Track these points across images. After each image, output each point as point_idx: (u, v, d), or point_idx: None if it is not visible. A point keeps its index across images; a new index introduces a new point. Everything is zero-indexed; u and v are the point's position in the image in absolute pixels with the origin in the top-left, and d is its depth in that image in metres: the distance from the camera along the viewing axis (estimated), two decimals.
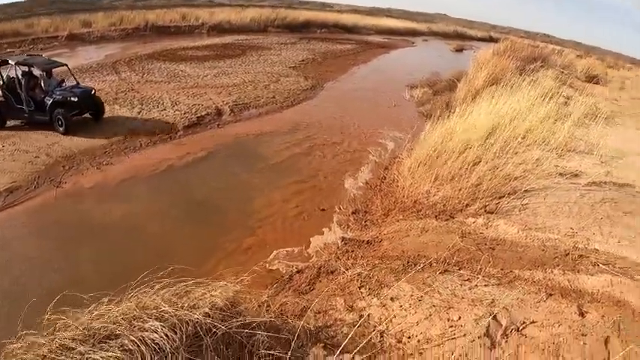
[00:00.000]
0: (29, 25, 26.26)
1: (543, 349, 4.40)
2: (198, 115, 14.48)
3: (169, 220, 8.67)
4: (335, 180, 10.70)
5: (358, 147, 12.96)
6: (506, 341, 4.51)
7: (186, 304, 4.28)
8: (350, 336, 4.40)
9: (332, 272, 6.75)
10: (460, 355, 4.28)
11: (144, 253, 7.40)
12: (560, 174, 8.92)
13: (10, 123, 12.99)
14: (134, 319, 4.04)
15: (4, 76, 13.00)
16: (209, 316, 4.15)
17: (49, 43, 24.85)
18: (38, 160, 10.64)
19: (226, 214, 8.92)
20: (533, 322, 4.87)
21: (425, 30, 49.35)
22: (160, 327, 3.87)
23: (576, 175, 8.91)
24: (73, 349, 3.76)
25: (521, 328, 4.75)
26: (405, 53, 33.84)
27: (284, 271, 7.17)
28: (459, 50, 38.22)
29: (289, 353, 3.93)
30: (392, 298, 5.41)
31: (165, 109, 14.75)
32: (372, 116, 15.95)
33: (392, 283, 5.72)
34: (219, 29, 32.26)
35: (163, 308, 4.12)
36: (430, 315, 4.93)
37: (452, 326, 4.71)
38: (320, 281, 6.60)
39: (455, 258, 6.34)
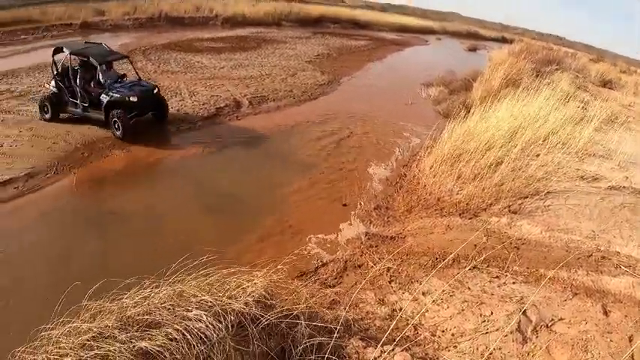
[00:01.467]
0: (43, 12, 26.17)
1: (572, 345, 4.59)
2: (217, 106, 14.55)
3: (197, 208, 8.88)
4: (356, 176, 10.85)
5: (377, 144, 13.08)
6: (537, 337, 4.71)
7: (226, 294, 4.34)
8: (387, 329, 4.55)
9: (359, 266, 6.96)
10: (494, 349, 4.48)
11: (174, 240, 7.54)
12: (581, 177, 9.09)
13: (64, 116, 12.14)
14: (176, 307, 4.06)
15: (59, 66, 11.97)
16: (250, 305, 4.20)
17: (62, 30, 24.83)
18: (56, 146, 10.72)
19: (250, 204, 9.12)
20: (561, 319, 5.07)
21: (438, 28, 49.18)
22: (204, 315, 3.88)
23: (596, 179, 9.08)
24: (115, 337, 3.72)
25: (550, 324, 4.95)
26: (419, 51, 33.87)
27: (310, 264, 7.31)
28: (473, 50, 38.17)
29: (332, 342, 4.01)
30: (423, 293, 5.61)
31: (183, 100, 14.87)
32: (389, 113, 16.01)
33: (422, 278, 5.91)
34: (232, 22, 32.26)
35: (203, 297, 4.15)
36: (462, 310, 5.13)
37: (484, 321, 4.91)
38: (347, 275, 6.80)
39: (481, 256, 6.52)
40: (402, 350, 4.14)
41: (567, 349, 4.55)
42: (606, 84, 22.85)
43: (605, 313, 5.28)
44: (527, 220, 7.73)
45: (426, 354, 4.37)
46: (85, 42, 13.68)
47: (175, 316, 3.94)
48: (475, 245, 6.87)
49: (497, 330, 4.73)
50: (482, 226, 7.70)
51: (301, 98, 16.75)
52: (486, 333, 4.70)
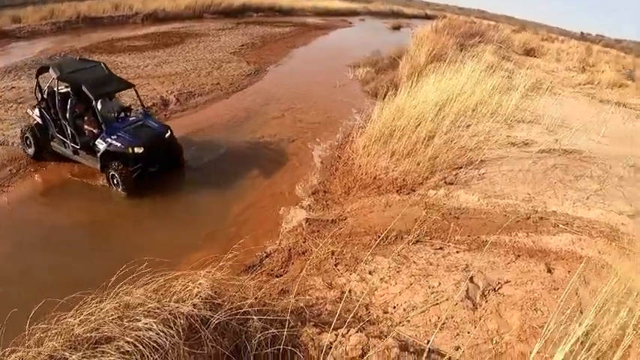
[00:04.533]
0: None
1: (521, 306, 4.69)
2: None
3: (132, 218, 8.52)
4: (290, 163, 10.75)
5: (309, 129, 13.00)
6: (486, 301, 4.78)
7: (173, 298, 4.17)
8: (337, 312, 4.48)
9: (303, 253, 6.86)
10: (447, 319, 4.50)
11: (112, 251, 7.14)
12: (512, 143, 9.38)
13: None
14: (123, 319, 3.88)
15: (45, 89, 9.57)
16: (198, 307, 4.06)
17: None
18: None
19: (193, 211, 8.83)
20: (507, 281, 5.18)
21: (361, 9, 49.60)
22: (153, 324, 3.72)
23: (527, 144, 9.39)
24: (66, 358, 3.53)
25: (497, 288, 5.04)
26: (344, 33, 34.04)
27: (254, 257, 7.13)
28: (397, 28, 38.72)
29: (285, 332, 3.91)
30: (370, 272, 5.57)
31: None
32: (319, 98, 16.01)
33: (367, 257, 5.87)
34: (153, 18, 31.18)
35: (150, 305, 3.98)
36: (411, 284, 5.13)
37: (433, 292, 4.93)
38: (293, 263, 6.69)
39: (423, 229, 6.58)
40: (357, 331, 4.07)
41: (517, 309, 4.64)
42: (529, 52, 23.81)
43: (549, 271, 5.45)
44: (464, 189, 7.88)
45: (381, 332, 4.32)
46: (79, 58, 10.63)
47: (125, 328, 3.77)
48: (415, 220, 6.91)
49: (447, 300, 4.75)
50: (420, 200, 7.78)
51: (229, 90, 16.41)
52: (437, 304, 4.72)
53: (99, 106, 9.08)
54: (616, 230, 6.53)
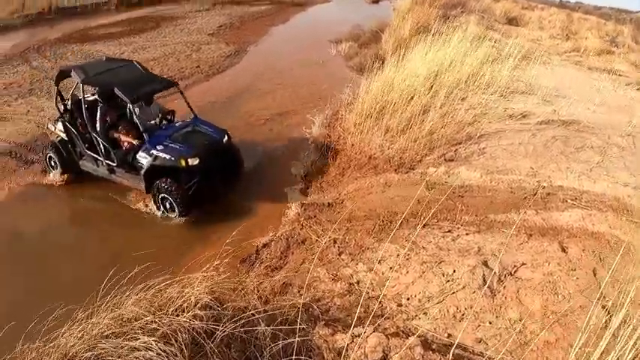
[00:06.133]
0: None
1: (542, 289, 4.46)
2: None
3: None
4: (280, 145, 10.44)
5: (296, 108, 12.68)
6: (504, 287, 4.53)
7: (170, 309, 3.80)
8: (349, 306, 4.22)
9: (303, 242, 6.55)
10: (466, 309, 4.25)
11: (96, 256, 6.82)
12: (510, 116, 9.12)
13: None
14: (118, 337, 3.52)
15: (68, 99, 8.31)
16: (199, 317, 3.68)
17: None
18: None
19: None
20: (523, 264, 4.93)
21: None
22: (153, 342, 3.34)
23: (525, 116, 9.14)
24: None
25: (513, 272, 4.80)
26: (323, 9, 33.46)
27: (250, 250, 6.75)
28: (375, 2, 38.00)
29: (296, 339, 3.55)
30: (378, 261, 5.30)
31: None
32: (302, 76, 15.71)
33: (372, 245, 5.61)
34: (127, 3, 30.34)
35: (146, 318, 3.61)
36: (423, 272, 4.86)
37: (449, 280, 4.67)
38: (292, 253, 6.39)
39: (428, 211, 6.31)
40: (373, 329, 3.78)
41: (537, 294, 4.41)
42: (512, 21, 23.60)
43: (563, 250, 5.22)
44: (465, 166, 7.61)
45: (397, 327, 4.05)
46: (106, 58, 8.84)
47: (122, 348, 3.40)
48: (419, 201, 6.63)
49: (463, 288, 4.49)
50: (420, 178, 7.50)
51: (209, 73, 16.02)
52: (454, 293, 4.46)
53: (136, 112, 7.86)
54: (624, 203, 6.35)
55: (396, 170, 8.05)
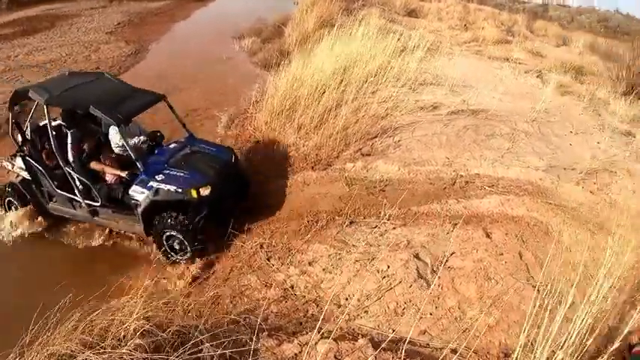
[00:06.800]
0: None
1: (475, 276, 4.62)
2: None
3: None
4: None
5: (202, 108, 12.32)
6: (439, 277, 4.62)
7: (108, 341, 3.35)
8: (287, 313, 4.10)
9: (227, 248, 6.33)
10: (405, 303, 4.28)
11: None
12: (421, 107, 9.35)
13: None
14: None
15: (26, 129, 6.81)
16: (143, 348, 3.28)
17: None
18: None
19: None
20: (452, 253, 5.08)
21: None
22: None
23: (436, 107, 9.41)
24: None
25: (445, 262, 4.91)
26: (223, 3, 32.86)
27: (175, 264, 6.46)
28: None
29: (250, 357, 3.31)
30: (310, 263, 5.21)
31: None
32: (207, 74, 15.35)
33: (301, 246, 5.52)
34: (19, 2, 28.46)
35: (83, 356, 3.19)
36: (358, 271, 4.86)
37: (385, 277, 4.71)
38: (218, 262, 6.17)
39: (353, 207, 6.32)
40: (320, 335, 3.63)
41: (472, 281, 4.57)
42: (411, 13, 24.35)
43: (488, 235, 5.44)
44: (382, 159, 7.71)
45: (341, 328, 3.99)
46: (69, 72, 7.07)
47: None
48: (340, 197, 6.66)
49: (400, 283, 4.55)
50: (339, 175, 7.52)
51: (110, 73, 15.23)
52: (391, 288, 4.50)
53: (122, 135, 6.24)
54: (537, 186, 6.70)
55: (313, 168, 8.01)
